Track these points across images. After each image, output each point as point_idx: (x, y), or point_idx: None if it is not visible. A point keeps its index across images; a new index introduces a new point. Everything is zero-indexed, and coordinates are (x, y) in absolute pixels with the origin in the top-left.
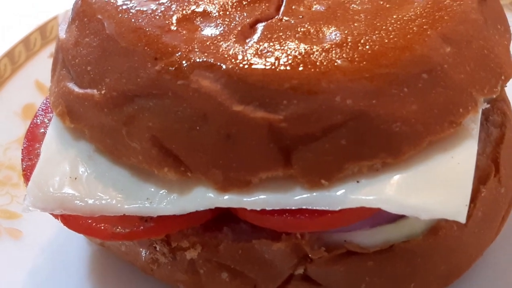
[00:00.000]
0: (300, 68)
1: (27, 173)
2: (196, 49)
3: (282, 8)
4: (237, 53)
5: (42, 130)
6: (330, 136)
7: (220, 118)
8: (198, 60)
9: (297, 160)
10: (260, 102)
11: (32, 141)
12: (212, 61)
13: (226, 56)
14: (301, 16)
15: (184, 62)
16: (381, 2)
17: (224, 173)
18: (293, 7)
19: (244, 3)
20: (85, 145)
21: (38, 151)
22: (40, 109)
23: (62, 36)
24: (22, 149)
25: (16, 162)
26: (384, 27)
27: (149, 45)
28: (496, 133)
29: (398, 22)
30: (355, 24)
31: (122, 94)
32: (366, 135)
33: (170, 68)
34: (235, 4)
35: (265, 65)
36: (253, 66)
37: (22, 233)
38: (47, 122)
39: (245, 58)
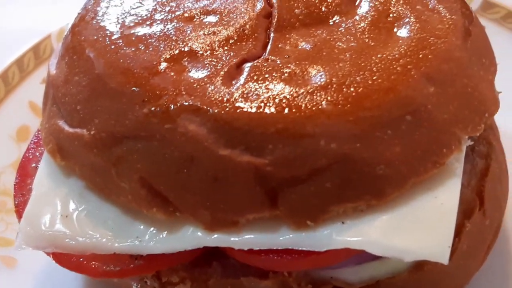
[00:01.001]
0: (286, 112)
1: (19, 210)
2: (183, 92)
3: (269, 47)
4: (223, 96)
5: (34, 165)
6: (315, 179)
7: (207, 161)
8: (185, 103)
9: (283, 202)
10: (246, 146)
11: (24, 176)
12: (198, 105)
13: (212, 99)
14: (287, 56)
15: (171, 105)
16: (366, 40)
17: (212, 214)
18: (280, 45)
19: (231, 41)
20: (76, 182)
21: (30, 186)
22: (32, 142)
23: (52, 71)
24: (14, 184)
25: (11, 187)
26: (368, 67)
27: (138, 87)
28: (481, 165)
29: (383, 62)
30: (340, 64)
31: (111, 135)
32: (351, 178)
33: (157, 111)
34: (222, 42)
35: (250, 108)
36: (239, 110)
37: (17, 261)
38: (38, 155)
39: (231, 102)
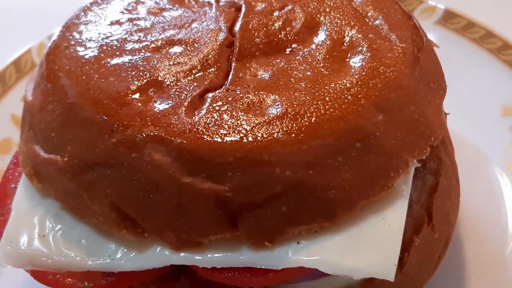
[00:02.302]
0: (243, 142)
1: (1, 230)
2: (149, 123)
3: (230, 77)
4: (186, 127)
5: (13, 185)
6: (272, 204)
7: (171, 188)
8: (150, 134)
9: (242, 224)
10: (207, 174)
11: (4, 197)
12: (163, 135)
13: (176, 130)
14: (246, 86)
15: (138, 135)
16: (321, 69)
17: (177, 235)
18: (240, 74)
19: (194, 71)
20: (52, 203)
21: (9, 207)
22: (11, 163)
23: (29, 97)
24: None
25: None
26: (321, 97)
27: (107, 118)
28: (431, 181)
29: (335, 91)
30: (296, 94)
31: (82, 162)
32: (304, 202)
33: (125, 141)
34: (186, 72)
35: (211, 139)
36: (200, 141)
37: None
38: (17, 175)
39: (193, 132)
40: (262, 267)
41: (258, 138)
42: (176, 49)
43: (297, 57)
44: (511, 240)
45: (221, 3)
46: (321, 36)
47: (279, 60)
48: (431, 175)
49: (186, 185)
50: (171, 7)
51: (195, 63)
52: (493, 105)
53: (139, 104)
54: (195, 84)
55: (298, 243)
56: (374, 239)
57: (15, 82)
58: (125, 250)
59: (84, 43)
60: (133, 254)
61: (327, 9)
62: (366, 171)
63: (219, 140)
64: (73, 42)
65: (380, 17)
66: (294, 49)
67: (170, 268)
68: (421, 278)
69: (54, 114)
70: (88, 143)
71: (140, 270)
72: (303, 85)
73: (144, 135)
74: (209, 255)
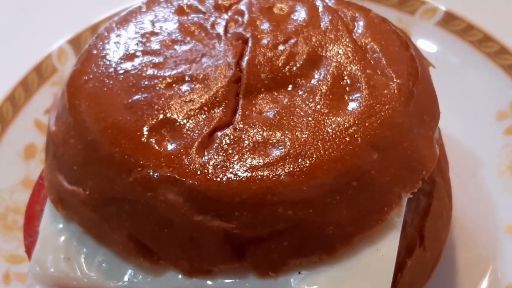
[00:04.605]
0: (249, 183)
1: (29, 250)
2: (163, 163)
3: (237, 115)
4: (197, 168)
5: (39, 208)
6: (275, 239)
7: (184, 225)
8: (164, 174)
9: (249, 256)
10: (216, 213)
11: (31, 219)
12: (176, 177)
13: (187, 171)
14: (252, 125)
15: (153, 175)
16: (322, 107)
17: (190, 264)
18: (246, 112)
19: (205, 108)
20: (75, 228)
21: (37, 228)
22: (37, 185)
23: (52, 127)
24: (23, 226)
25: (22, 205)
26: (321, 136)
27: (124, 157)
28: (424, 203)
29: (334, 131)
30: (297, 134)
31: (103, 196)
32: (305, 238)
33: (141, 181)
34: (197, 110)
35: (220, 180)
36: (210, 182)
37: None
38: (43, 197)
39: (204, 173)
40: None
41: (263, 179)
42: (187, 86)
43: (299, 93)
44: (502, 245)
45: (229, 35)
46: (322, 71)
47: (282, 96)
48: (424, 196)
49: (197, 223)
50: (182, 39)
51: (205, 100)
52: (489, 109)
53: (154, 144)
54: (205, 123)
55: (299, 273)
56: (368, 270)
57: (37, 87)
58: (143, 273)
59: (102, 78)
60: (150, 278)
61: (328, 43)
62: (362, 207)
63: (227, 181)
64: (91, 76)
65: (378, 50)
66: (297, 84)
67: None
68: None
69: (76, 149)
70: (107, 180)
71: None
72: (304, 123)
73: (159, 176)
74: (219, 281)
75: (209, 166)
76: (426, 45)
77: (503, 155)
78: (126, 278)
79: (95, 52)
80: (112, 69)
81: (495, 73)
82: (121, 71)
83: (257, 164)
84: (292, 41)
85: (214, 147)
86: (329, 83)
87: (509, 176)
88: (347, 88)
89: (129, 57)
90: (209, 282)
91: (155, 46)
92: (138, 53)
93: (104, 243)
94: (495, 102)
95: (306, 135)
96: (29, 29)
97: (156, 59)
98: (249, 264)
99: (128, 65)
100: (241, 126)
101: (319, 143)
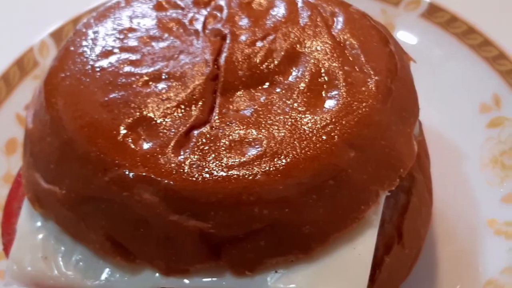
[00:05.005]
0: (225, 183)
1: (6, 248)
2: (138, 163)
3: (214, 114)
4: (173, 168)
5: (17, 205)
6: (251, 238)
7: (159, 224)
8: (140, 174)
9: (225, 255)
10: (192, 213)
11: (9, 216)
12: (152, 176)
13: (163, 170)
14: (228, 123)
15: (129, 175)
16: (299, 105)
17: (166, 263)
18: (224, 110)
19: (182, 106)
20: (53, 226)
21: (15, 226)
22: (15, 182)
23: (29, 125)
24: (1, 223)
25: (3, 201)
26: (297, 135)
27: (101, 156)
28: (403, 199)
29: (310, 129)
30: (274, 132)
31: (79, 195)
32: (281, 237)
33: (116, 180)
34: (173, 108)
35: (196, 179)
36: (185, 182)
37: None
38: (21, 195)
39: (179, 173)
40: None
41: (239, 178)
42: (164, 83)
43: (277, 90)
44: (483, 240)
45: (207, 31)
46: (300, 68)
47: (260, 94)
48: (404, 193)
49: (173, 222)
50: (160, 35)
51: (182, 98)
52: (472, 102)
53: (130, 143)
54: (181, 121)
55: (276, 271)
56: (345, 268)
57: (18, 81)
58: (120, 272)
59: (79, 76)
60: (127, 277)
61: (307, 39)
62: (338, 206)
63: (203, 181)
64: (68, 73)
65: (357, 46)
66: (275, 82)
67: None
68: (394, 285)
69: (52, 147)
70: (83, 179)
71: None
72: (281, 122)
73: (134, 175)
74: (196, 280)
75: (185, 166)
76: (409, 37)
77: (485, 148)
78: (103, 277)
79: (72, 48)
80: (89, 66)
81: (479, 65)
82: (98, 69)
83: (233, 163)
84: (271, 37)
85: (190, 146)
86: (307, 80)
87: (491, 169)
88: (325, 86)
89: (106, 54)
90: (186, 281)
91: (132, 42)
92: (116, 50)
93: (81, 242)
94: (478, 94)
95: (283, 134)
96: (10, 22)
97: (133, 56)
98: (225, 263)
99: (105, 62)
100: (217, 124)
101: (295, 142)
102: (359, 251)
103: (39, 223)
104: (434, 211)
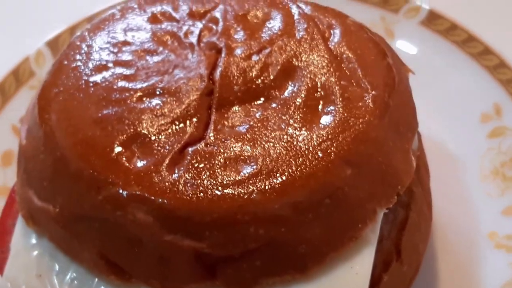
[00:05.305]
0: (220, 202)
1: (0, 266)
2: (132, 182)
3: (209, 130)
4: (167, 186)
5: (11, 222)
6: (247, 258)
7: (153, 244)
8: (134, 193)
9: (220, 275)
10: (186, 232)
11: (3, 233)
12: (145, 195)
13: (157, 189)
14: (223, 140)
15: (122, 193)
16: (295, 121)
17: (161, 283)
18: (219, 127)
19: (176, 122)
20: (47, 244)
21: (9, 244)
22: (9, 199)
23: (23, 141)
24: None
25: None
26: (293, 152)
27: (94, 174)
28: (401, 215)
29: (306, 146)
30: (270, 150)
31: (72, 214)
32: (277, 257)
33: (110, 199)
34: (168, 125)
35: (190, 198)
36: (180, 201)
37: None
38: (15, 212)
39: (174, 192)
40: None
41: (234, 197)
42: (158, 99)
43: (273, 105)
44: (484, 254)
45: (202, 44)
46: (296, 83)
47: (255, 109)
48: (402, 208)
49: (167, 242)
50: (155, 49)
51: (176, 115)
52: (472, 111)
53: (124, 160)
54: (176, 138)
55: None
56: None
57: (14, 92)
58: None
59: (72, 91)
60: None
61: (303, 52)
62: (335, 225)
63: (197, 200)
64: (62, 88)
65: (354, 60)
66: (270, 97)
67: None
68: None
69: (45, 165)
70: (77, 197)
71: None
72: (277, 138)
73: (128, 194)
74: None
75: (179, 184)
76: (409, 46)
77: (486, 159)
78: None
79: (66, 63)
80: (82, 81)
81: (480, 74)
82: (92, 84)
83: (228, 182)
84: (267, 51)
85: (185, 163)
86: (303, 95)
87: (491, 181)
88: (321, 101)
89: (100, 68)
90: None
91: (126, 56)
92: (110, 64)
93: (76, 260)
94: (479, 104)
95: (279, 151)
96: (5, 31)
97: (127, 71)
98: (221, 283)
99: (98, 77)
100: (212, 141)
101: (291, 159)
102: (356, 270)
103: (33, 241)
104: (433, 225)
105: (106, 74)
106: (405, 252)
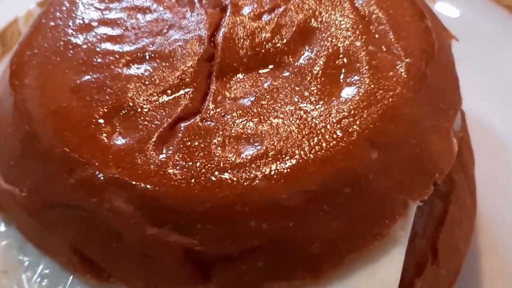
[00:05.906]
0: (215, 189)
1: None
2: (110, 162)
3: (207, 102)
4: (152, 169)
5: None
6: (247, 258)
7: (135, 238)
8: (112, 176)
9: (216, 278)
10: (174, 225)
11: None
12: (126, 179)
13: (140, 172)
14: (223, 114)
15: (98, 176)
16: (311, 93)
17: (146, 284)
18: (219, 98)
19: (168, 92)
20: (17, 234)
21: None
22: None
23: None
24: None
25: None
26: (307, 131)
27: (66, 152)
28: (439, 208)
29: (323, 124)
30: (279, 127)
31: (41, 200)
32: (284, 257)
33: (84, 183)
34: (158, 95)
35: (180, 184)
36: (167, 187)
37: None
38: None
39: (160, 175)
40: None
41: (233, 184)
42: (148, 65)
43: (285, 74)
44: None
45: (204, 1)
46: (314, 47)
47: (263, 79)
48: (440, 200)
49: (151, 237)
50: (148, 6)
51: (169, 83)
52: None
53: (103, 137)
54: (166, 111)
55: None
56: None
57: (1, 56)
58: None
59: (48, 54)
60: None
61: (324, 12)
62: (356, 219)
63: (188, 186)
64: (36, 51)
65: (385, 21)
66: (282, 63)
67: None
68: None
69: (13, 140)
70: (47, 181)
71: None
72: (288, 114)
73: (105, 177)
74: None
75: (167, 167)
76: (450, 9)
77: None
78: None
79: (44, 21)
80: (61, 43)
81: None
82: (71, 46)
83: (226, 165)
84: (280, 9)
85: (176, 142)
86: (321, 62)
87: None
88: (343, 69)
89: (82, 28)
90: None
91: (114, 14)
92: (94, 23)
93: (48, 254)
94: None
95: (289, 129)
96: None
97: (114, 31)
98: (216, 285)
99: (80, 38)
100: (210, 115)
101: (304, 139)
102: (381, 276)
103: (2, 228)
104: (478, 219)
105: (89, 34)
106: (443, 252)
